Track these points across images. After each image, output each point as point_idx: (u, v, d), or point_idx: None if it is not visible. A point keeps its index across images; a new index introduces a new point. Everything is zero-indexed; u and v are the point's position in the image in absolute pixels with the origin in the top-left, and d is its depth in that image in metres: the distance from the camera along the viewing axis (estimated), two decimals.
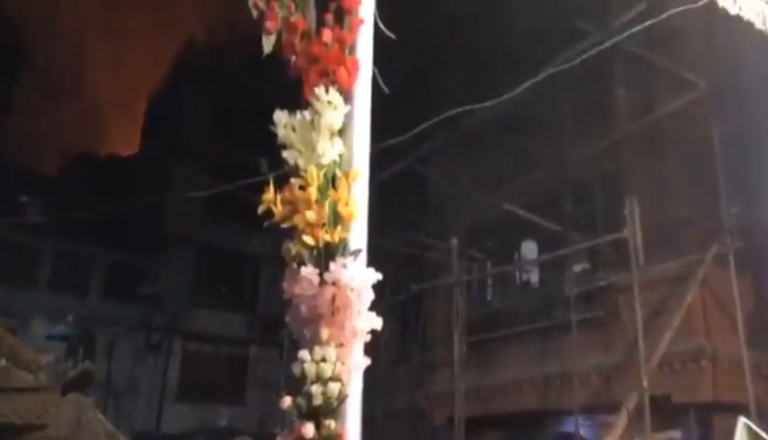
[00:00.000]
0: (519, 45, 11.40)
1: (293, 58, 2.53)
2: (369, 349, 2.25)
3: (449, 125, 10.19)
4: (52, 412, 4.41)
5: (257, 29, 2.61)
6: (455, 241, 12.91)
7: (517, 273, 14.36)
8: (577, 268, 12.19)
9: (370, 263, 2.27)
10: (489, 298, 14.93)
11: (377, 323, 2.20)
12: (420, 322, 15.53)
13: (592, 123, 11.23)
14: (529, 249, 14.07)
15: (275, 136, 2.37)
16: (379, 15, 2.75)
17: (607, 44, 8.14)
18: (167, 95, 27.90)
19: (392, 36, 2.76)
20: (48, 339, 19.76)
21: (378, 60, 2.67)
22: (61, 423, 4.60)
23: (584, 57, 7.81)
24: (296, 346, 2.20)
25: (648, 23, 7.10)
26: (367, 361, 2.21)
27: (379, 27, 2.77)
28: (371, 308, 2.19)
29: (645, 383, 8.93)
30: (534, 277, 14.28)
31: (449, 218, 13.72)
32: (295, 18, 2.53)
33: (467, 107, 6.85)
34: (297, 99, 2.47)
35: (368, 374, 2.26)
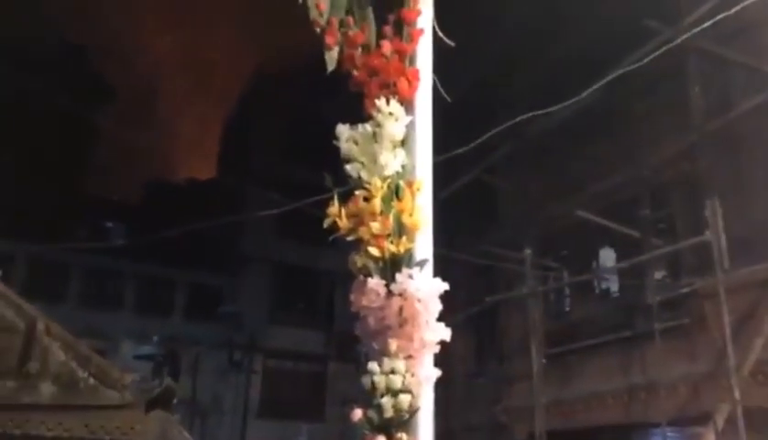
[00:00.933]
0: (585, 49, 11.18)
1: (354, 72, 2.54)
2: (442, 362, 2.22)
3: (516, 133, 10.06)
4: (138, 428, 4.56)
5: (319, 50, 2.64)
6: (528, 251, 12.70)
7: (595, 282, 13.97)
8: (659, 274, 11.77)
9: (440, 275, 2.24)
10: (567, 308, 14.57)
11: (445, 334, 2.17)
12: (495, 334, 15.31)
13: (667, 124, 10.87)
14: (607, 257, 13.67)
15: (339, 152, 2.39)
16: (441, 24, 2.74)
17: (677, 42, 7.87)
18: (238, 120, 28.76)
19: (452, 44, 2.74)
20: (135, 359, 20.55)
21: (440, 69, 2.66)
22: (147, 439, 4.75)
23: (654, 56, 7.57)
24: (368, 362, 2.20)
25: (719, 17, 6.82)
26: (437, 373, 2.18)
27: (440, 37, 2.76)
28: (444, 320, 2.16)
29: (737, 393, 8.50)
30: (614, 285, 13.85)
31: (520, 228, 13.51)
32: (354, 32, 2.56)
33: (534, 113, 6.73)
34: (360, 115, 2.48)
35: (443, 388, 2.23)
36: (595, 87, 7.28)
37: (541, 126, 10.89)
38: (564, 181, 12.67)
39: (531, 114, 6.79)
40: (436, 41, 2.67)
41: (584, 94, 6.93)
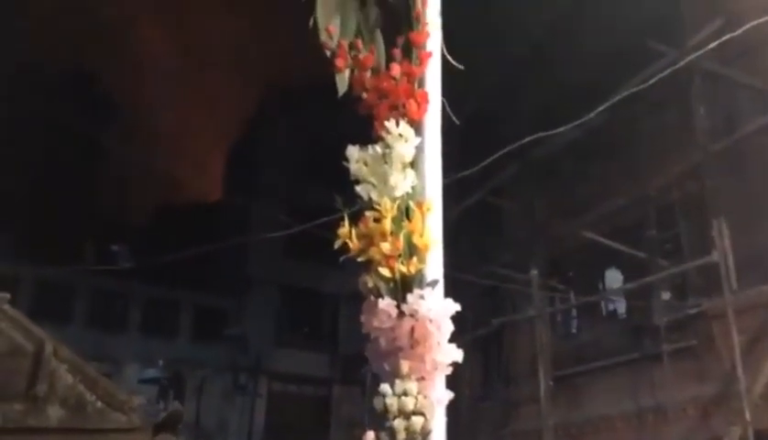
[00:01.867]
0: (591, 71, 11.25)
1: (364, 94, 2.56)
2: (449, 385, 2.21)
3: (522, 154, 10.09)
4: None
5: (327, 71, 2.66)
6: (534, 272, 12.66)
7: (602, 303, 13.91)
8: (666, 295, 11.71)
9: (447, 297, 2.24)
10: (574, 330, 14.50)
11: (457, 355, 2.16)
12: (502, 357, 15.22)
13: (672, 145, 10.88)
14: (613, 278, 13.62)
15: (349, 173, 2.40)
16: (448, 47, 2.77)
17: (682, 63, 7.90)
18: (245, 142, 28.91)
19: (460, 67, 2.76)
20: (140, 382, 20.48)
21: (448, 91, 2.68)
22: None
23: (659, 77, 7.60)
24: (377, 384, 2.18)
25: (724, 38, 6.86)
26: (450, 395, 2.17)
27: (448, 60, 2.78)
28: (451, 343, 2.16)
29: (748, 416, 8.41)
30: (621, 307, 13.79)
31: (526, 249, 13.49)
32: (364, 55, 2.58)
33: (538, 135, 6.76)
34: (369, 138, 2.50)
35: (449, 411, 2.22)
36: (600, 109, 7.31)
37: (546, 148, 10.92)
38: (570, 203, 12.67)
39: (536, 135, 6.81)
40: (445, 64, 2.70)
41: (589, 116, 6.95)
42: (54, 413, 4.26)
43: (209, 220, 24.78)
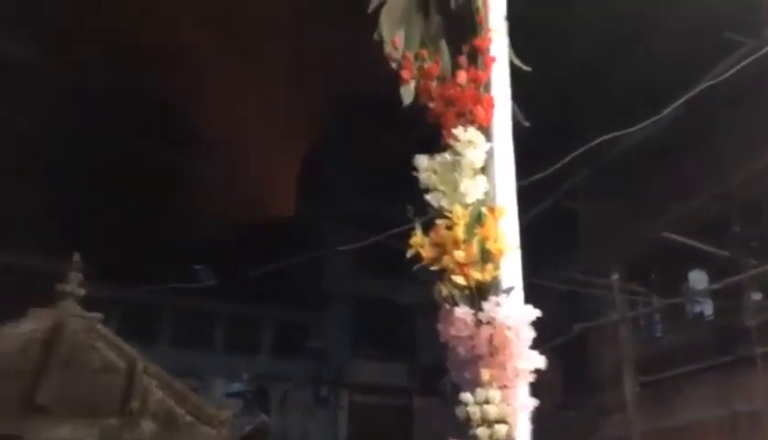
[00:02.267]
0: (665, 65, 10.90)
1: (431, 103, 2.57)
2: (532, 395, 2.18)
3: (595, 155, 9.85)
4: None
5: (396, 83, 2.69)
6: (615, 276, 12.31)
7: (687, 305, 13.39)
8: (756, 296, 11.17)
9: (527, 304, 2.20)
10: (659, 334, 14.01)
11: (540, 362, 2.12)
12: (585, 364, 14.83)
13: (753, 138, 10.41)
14: (698, 279, 13.10)
15: (419, 183, 2.41)
16: (516, 49, 2.75)
17: (761, 52, 7.55)
18: (316, 157, 29.35)
19: (528, 69, 2.73)
20: (226, 397, 21.00)
21: (518, 94, 2.66)
22: None
23: (737, 69, 7.29)
24: (458, 393, 2.17)
25: None
26: (533, 402, 2.14)
27: (516, 63, 2.76)
28: (533, 350, 2.12)
29: None
30: (708, 308, 13.23)
31: (605, 252, 13.15)
32: (429, 65, 2.59)
33: (612, 135, 6.59)
34: (435, 146, 2.50)
35: (535, 421, 2.18)
36: (676, 104, 7.07)
37: (621, 147, 10.64)
38: (647, 203, 12.28)
39: (609, 135, 6.65)
40: (513, 67, 2.68)
41: (665, 112, 6.73)
42: (147, 427, 4.44)
43: (284, 236, 25.21)
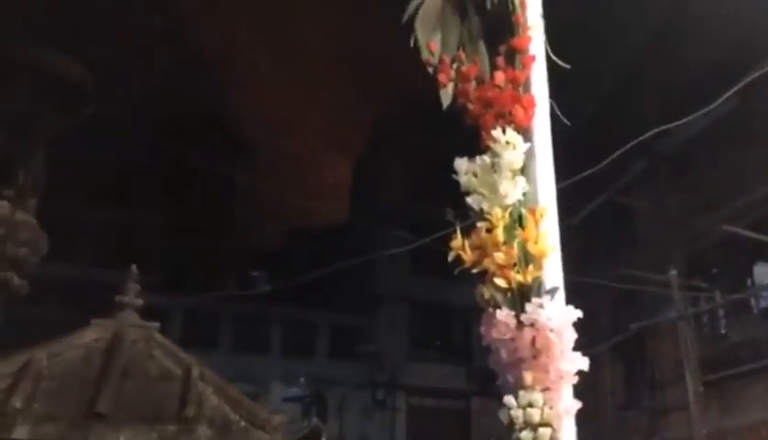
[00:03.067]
0: (717, 54, 10.58)
1: (469, 105, 2.56)
2: (589, 395, 2.14)
3: (649, 149, 9.63)
4: None
5: (436, 87, 2.68)
6: (673, 272, 11.97)
7: (752, 301, 12.93)
8: None
9: (578, 303, 2.17)
10: (723, 331, 13.57)
11: (583, 363, 2.09)
12: (645, 363, 14.48)
13: None
14: (763, 273, 12.64)
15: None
16: (559, 45, 2.71)
17: None
18: (366, 164, 29.57)
19: (567, 66, 2.70)
20: (284, 401, 21.29)
21: (562, 92, 2.62)
22: None
23: None
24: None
25: None
26: (577, 405, 2.10)
27: (557, 61, 2.73)
28: (587, 350, 2.09)
29: None
30: None
31: (662, 248, 12.82)
32: (467, 67, 2.58)
33: (662, 128, 6.41)
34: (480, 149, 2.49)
35: (592, 421, 2.15)
36: (730, 93, 6.83)
37: (675, 140, 10.39)
38: (706, 196, 11.94)
39: (660, 128, 6.48)
40: (554, 65, 2.65)
41: (717, 103, 6.52)
42: (203, 433, 4.54)
43: (337, 242, 25.44)
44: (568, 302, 2.20)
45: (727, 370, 11.40)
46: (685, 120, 6.05)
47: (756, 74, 6.82)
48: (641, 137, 6.27)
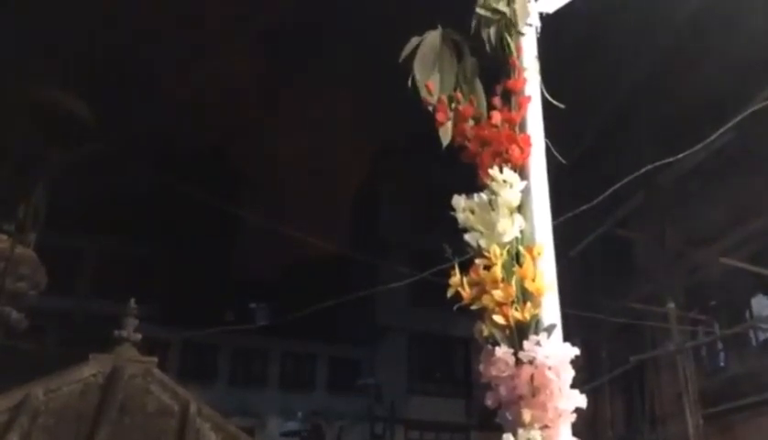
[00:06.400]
0: (712, 89, 10.71)
1: (467, 144, 2.60)
2: (590, 428, 2.16)
3: (647, 182, 9.69)
4: None
5: (435, 126, 2.73)
6: (671, 305, 11.96)
7: (751, 333, 12.88)
8: None
9: (576, 337, 2.18)
10: (722, 364, 13.50)
11: (580, 401, 2.10)
12: (645, 396, 14.37)
13: None
14: (761, 305, 12.62)
15: None
16: (555, 83, 2.77)
17: None
18: (365, 197, 29.70)
19: (561, 106, 2.75)
20: (282, 436, 21.07)
21: (558, 130, 2.67)
22: None
23: None
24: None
25: None
26: None
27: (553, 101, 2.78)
28: (586, 384, 2.11)
29: None
30: None
31: (661, 280, 12.79)
32: (464, 106, 2.63)
33: (661, 162, 6.48)
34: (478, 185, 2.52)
35: None
36: (727, 127, 6.92)
37: (673, 173, 10.46)
38: (704, 228, 11.97)
39: (658, 163, 6.54)
40: (550, 105, 2.70)
41: (715, 136, 6.60)
42: None
43: (337, 275, 25.42)
44: (567, 334, 2.22)
45: (727, 403, 11.31)
46: (681, 155, 6.11)
47: (753, 108, 6.91)
48: (639, 172, 6.33)
